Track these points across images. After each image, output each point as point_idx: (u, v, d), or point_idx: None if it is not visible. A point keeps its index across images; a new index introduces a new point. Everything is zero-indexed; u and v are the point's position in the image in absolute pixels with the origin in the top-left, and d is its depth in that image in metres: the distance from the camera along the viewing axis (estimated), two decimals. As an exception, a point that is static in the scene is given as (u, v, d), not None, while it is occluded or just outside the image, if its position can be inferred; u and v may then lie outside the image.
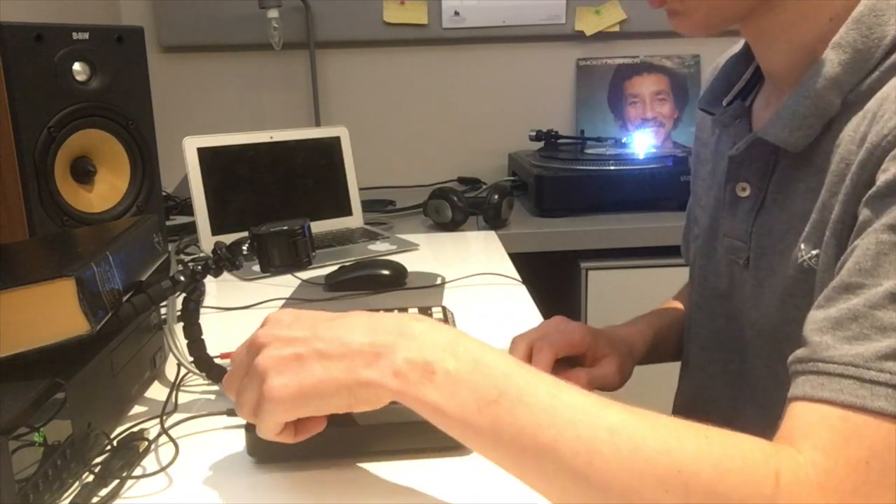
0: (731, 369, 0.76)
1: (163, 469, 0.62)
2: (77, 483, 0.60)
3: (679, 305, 0.96)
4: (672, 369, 0.91)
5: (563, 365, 0.79)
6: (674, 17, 0.66)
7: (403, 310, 0.92)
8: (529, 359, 0.77)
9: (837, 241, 0.56)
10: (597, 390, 0.77)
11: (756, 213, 0.69)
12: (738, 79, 0.76)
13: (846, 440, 0.45)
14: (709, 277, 0.79)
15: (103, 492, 0.59)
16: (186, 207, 1.59)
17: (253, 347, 0.55)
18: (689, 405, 0.86)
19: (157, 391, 0.79)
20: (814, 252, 0.60)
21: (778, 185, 0.66)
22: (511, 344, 0.80)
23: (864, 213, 0.52)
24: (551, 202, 1.66)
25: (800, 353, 0.51)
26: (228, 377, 0.58)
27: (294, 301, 1.08)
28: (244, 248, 0.73)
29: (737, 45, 0.79)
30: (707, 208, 0.81)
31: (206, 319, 0.87)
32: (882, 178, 0.51)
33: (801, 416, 0.48)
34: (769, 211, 0.68)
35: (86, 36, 1.02)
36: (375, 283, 1.12)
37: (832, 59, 0.60)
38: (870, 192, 0.52)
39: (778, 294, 0.65)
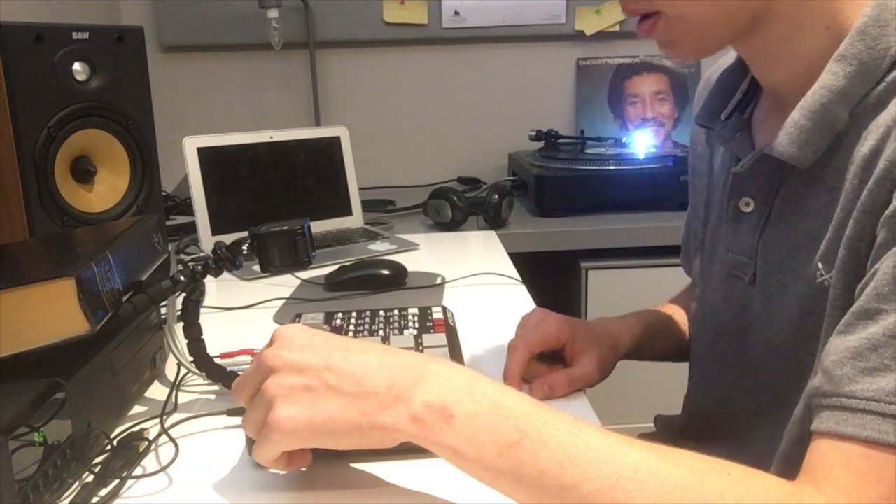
0: (730, 384, 0.75)
1: (163, 469, 0.62)
2: (77, 483, 0.60)
3: (676, 308, 0.95)
4: (679, 375, 0.91)
5: (545, 362, 0.79)
6: (665, 47, 0.66)
7: (404, 310, 0.92)
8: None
9: (854, 258, 0.55)
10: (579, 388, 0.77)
11: (762, 228, 0.68)
12: (734, 91, 0.75)
13: (867, 478, 0.46)
14: (707, 293, 0.79)
15: (103, 492, 0.59)
16: (186, 207, 1.59)
17: (262, 368, 0.54)
18: (694, 416, 0.86)
19: (157, 391, 0.79)
20: (834, 271, 0.59)
21: (785, 200, 0.65)
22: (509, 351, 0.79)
23: (881, 234, 0.52)
24: (551, 202, 1.66)
25: (822, 385, 0.51)
26: (241, 383, 0.57)
27: (294, 301, 1.08)
28: (244, 248, 0.73)
29: (728, 58, 0.79)
30: (705, 222, 0.80)
31: (206, 319, 0.87)
32: None
33: (823, 453, 0.48)
34: (776, 227, 0.67)
35: (86, 36, 1.02)
36: (375, 282, 1.12)
37: (837, 72, 0.58)
38: (886, 211, 0.51)
39: (795, 313, 0.64)
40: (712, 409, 0.79)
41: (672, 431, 0.91)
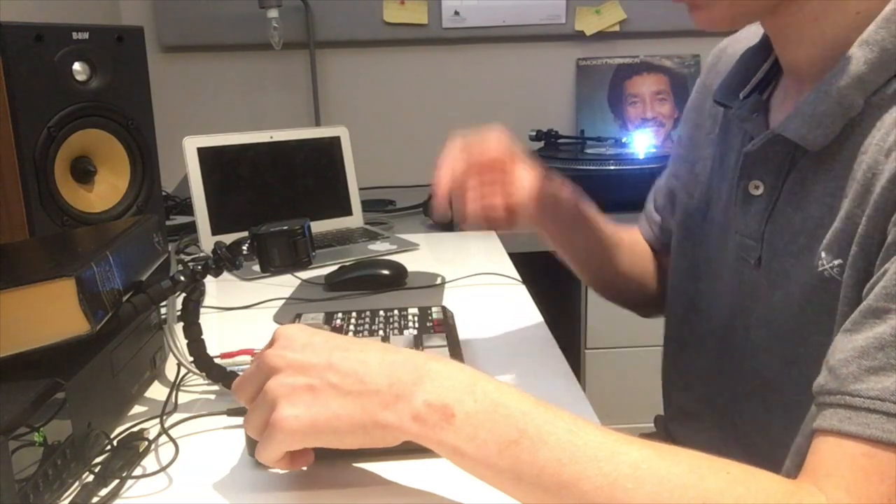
0: (734, 367, 0.75)
1: (163, 469, 0.62)
2: (77, 483, 0.60)
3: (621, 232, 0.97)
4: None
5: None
6: (695, 12, 0.64)
7: (404, 310, 0.92)
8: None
9: (866, 256, 0.55)
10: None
11: (770, 212, 0.68)
12: (756, 71, 0.74)
13: (869, 477, 0.46)
14: (720, 274, 0.78)
15: (103, 492, 0.59)
16: (186, 207, 1.59)
17: (264, 368, 0.54)
18: (690, 400, 0.85)
19: (157, 391, 0.79)
20: (836, 262, 0.58)
21: (794, 185, 0.65)
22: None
23: (892, 232, 0.51)
24: (551, 202, 1.65)
25: (826, 383, 0.50)
26: (240, 383, 0.57)
27: (294, 301, 1.08)
28: (244, 248, 0.73)
29: (750, 36, 0.78)
30: (707, 200, 0.80)
31: (206, 319, 0.87)
32: None
33: (825, 451, 0.48)
34: (783, 212, 0.66)
35: (86, 36, 1.02)
36: (375, 282, 1.12)
37: (858, 57, 0.58)
38: None
39: (795, 300, 0.64)
40: (711, 392, 0.79)
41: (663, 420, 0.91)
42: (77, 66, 1.01)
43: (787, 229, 0.66)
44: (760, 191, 0.69)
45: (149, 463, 0.64)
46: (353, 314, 0.92)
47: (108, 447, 0.64)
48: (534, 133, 1.88)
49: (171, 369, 0.79)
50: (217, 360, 0.74)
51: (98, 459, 0.63)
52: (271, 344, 0.56)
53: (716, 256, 0.79)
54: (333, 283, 1.12)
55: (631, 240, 0.97)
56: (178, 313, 0.73)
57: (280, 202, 1.43)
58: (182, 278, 0.70)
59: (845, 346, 0.50)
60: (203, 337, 0.73)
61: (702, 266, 0.81)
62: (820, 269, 0.60)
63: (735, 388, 0.74)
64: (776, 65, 0.73)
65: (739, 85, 0.75)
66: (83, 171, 1.05)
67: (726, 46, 0.83)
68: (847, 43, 0.60)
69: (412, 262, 1.22)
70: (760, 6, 0.63)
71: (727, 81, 0.76)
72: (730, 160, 0.77)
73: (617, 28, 2.02)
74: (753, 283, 0.71)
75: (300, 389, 0.52)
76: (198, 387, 0.78)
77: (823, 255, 0.60)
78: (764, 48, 0.74)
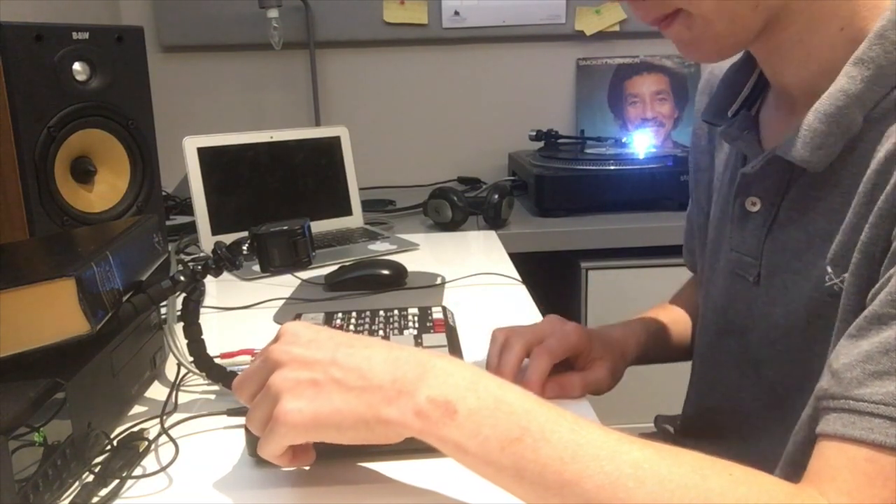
0: (732, 382, 0.75)
1: (163, 469, 0.62)
2: (77, 483, 0.60)
3: (676, 310, 0.95)
4: (679, 375, 0.91)
5: (558, 367, 0.79)
6: (683, 47, 0.65)
7: (404, 310, 0.92)
8: (521, 359, 0.75)
9: (869, 264, 0.55)
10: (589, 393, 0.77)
11: (768, 229, 0.67)
12: (742, 88, 0.74)
13: (871, 482, 0.46)
14: (711, 290, 0.78)
15: (103, 492, 0.59)
16: (186, 207, 1.59)
17: (268, 363, 0.54)
18: (695, 414, 0.86)
19: (157, 391, 0.79)
20: (844, 275, 0.58)
21: (794, 202, 0.65)
22: (498, 339, 0.77)
23: None
24: (551, 202, 1.66)
25: (830, 387, 0.50)
26: (241, 380, 0.57)
27: (294, 301, 1.08)
28: (244, 248, 0.73)
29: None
30: (711, 219, 0.80)
31: (206, 319, 0.87)
32: None
33: (828, 456, 0.48)
34: (783, 228, 0.66)
35: (86, 36, 1.02)
36: (375, 282, 1.12)
37: (854, 76, 0.58)
38: None
39: (801, 315, 0.64)
40: (714, 407, 0.79)
41: (673, 429, 0.91)
42: (77, 66, 1.01)
43: (788, 246, 0.66)
44: (757, 207, 0.68)
45: (149, 463, 0.64)
46: (353, 314, 0.92)
47: (108, 447, 0.64)
48: (534, 133, 1.88)
49: (171, 369, 0.79)
50: (217, 360, 0.74)
51: (98, 459, 0.63)
52: (276, 340, 0.56)
53: (708, 273, 0.79)
54: (333, 283, 1.12)
55: (680, 304, 0.96)
56: (178, 313, 0.73)
57: (280, 202, 1.43)
58: (182, 278, 0.70)
59: (849, 350, 0.50)
60: (203, 337, 0.73)
61: (702, 282, 0.82)
62: (828, 283, 0.60)
63: (745, 405, 0.74)
64: (762, 79, 0.73)
65: (727, 103, 0.75)
66: (83, 171, 1.05)
67: (713, 68, 0.83)
68: (835, 60, 0.60)
69: (412, 262, 1.22)
70: (745, 38, 0.64)
71: (715, 100, 0.76)
72: (722, 177, 0.77)
73: (617, 28, 2.02)
74: (750, 299, 0.71)
75: (304, 384, 0.52)
76: (198, 387, 0.78)
77: (830, 269, 0.60)
78: (747, 63, 0.74)
